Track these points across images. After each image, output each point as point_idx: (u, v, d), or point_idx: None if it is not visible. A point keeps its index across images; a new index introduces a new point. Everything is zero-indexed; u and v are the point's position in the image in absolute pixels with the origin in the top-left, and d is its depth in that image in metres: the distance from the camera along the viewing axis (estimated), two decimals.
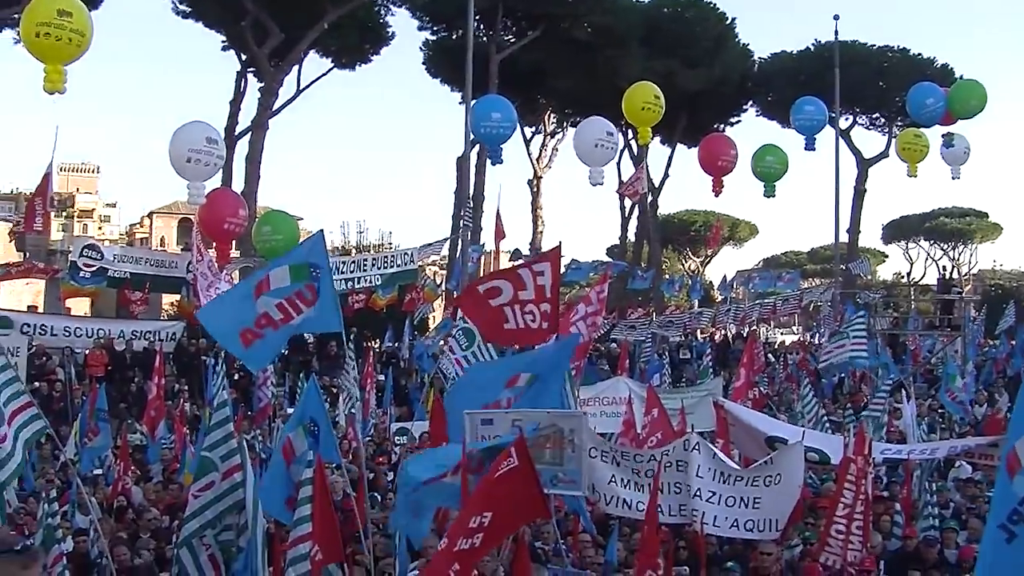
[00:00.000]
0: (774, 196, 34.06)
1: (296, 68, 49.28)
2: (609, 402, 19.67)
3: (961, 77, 49.88)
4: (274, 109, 47.66)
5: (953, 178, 36.64)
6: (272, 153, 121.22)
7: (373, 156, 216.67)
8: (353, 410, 22.60)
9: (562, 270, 43.65)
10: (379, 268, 34.31)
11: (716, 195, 33.04)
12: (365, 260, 35.79)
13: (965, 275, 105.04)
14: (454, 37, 54.05)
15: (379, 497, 17.65)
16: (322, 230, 13.42)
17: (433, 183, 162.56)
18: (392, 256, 36.28)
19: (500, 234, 35.65)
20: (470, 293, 15.89)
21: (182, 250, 56.45)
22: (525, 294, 14.32)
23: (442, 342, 23.58)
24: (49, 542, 11.49)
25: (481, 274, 60.07)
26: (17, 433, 11.38)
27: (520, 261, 52.13)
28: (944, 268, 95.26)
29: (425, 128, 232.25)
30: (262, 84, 47.82)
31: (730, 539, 14.57)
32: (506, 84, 48.18)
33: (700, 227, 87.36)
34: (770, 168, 34.01)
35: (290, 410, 25.96)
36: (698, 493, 12.89)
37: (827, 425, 20.92)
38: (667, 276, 63.48)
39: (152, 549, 14.80)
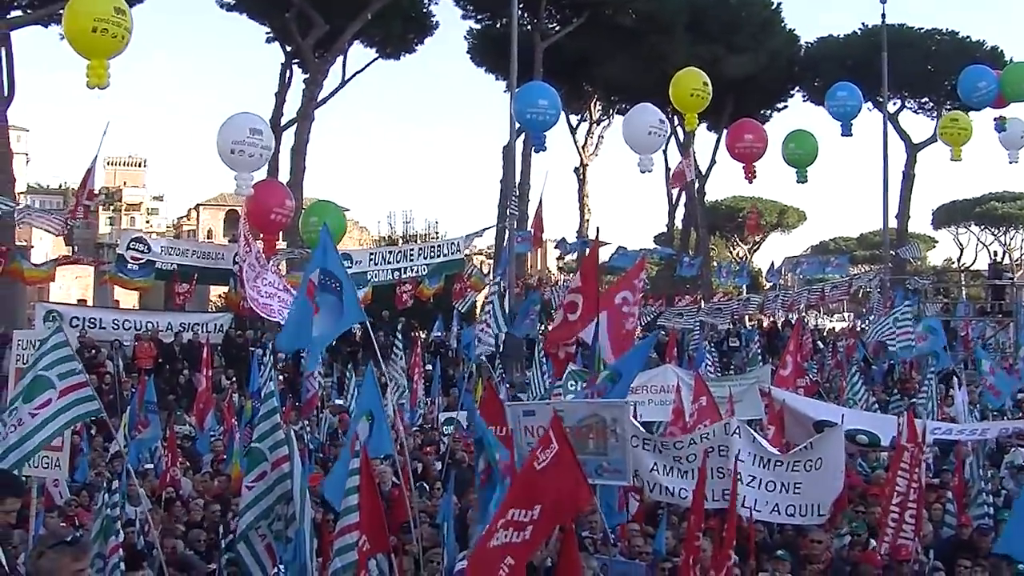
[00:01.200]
0: (806, 182, 33.73)
1: (341, 59, 49.34)
2: (657, 390, 19.56)
3: (1011, 60, 49.39)
4: (319, 100, 47.74)
5: (1010, 162, 36.17)
6: (318, 144, 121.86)
7: (419, 146, 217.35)
8: (402, 400, 22.74)
9: (607, 257, 44.01)
10: (425, 258, 34.40)
11: (749, 181, 32.81)
12: (412, 250, 35.86)
13: (1017, 260, 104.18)
14: (498, 25, 54.08)
15: (427, 487, 17.69)
16: (326, 224, 13.57)
17: (479, 172, 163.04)
18: (439, 246, 36.33)
19: (538, 225, 35.61)
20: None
21: (229, 242, 56.80)
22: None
23: (481, 325, 23.58)
24: (108, 533, 11.60)
25: (528, 263, 60.07)
26: (64, 410, 11.48)
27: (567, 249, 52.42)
28: (995, 253, 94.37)
29: (471, 117, 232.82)
30: (307, 75, 47.98)
31: (781, 527, 14.53)
32: (551, 72, 48.08)
33: (748, 214, 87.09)
34: (795, 154, 33.70)
35: (338, 401, 26.18)
36: (739, 478, 12.84)
37: (876, 411, 20.80)
38: (715, 263, 63.27)
39: (203, 540, 14.92)
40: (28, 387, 11.36)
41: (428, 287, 33.98)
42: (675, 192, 63.17)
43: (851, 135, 36.21)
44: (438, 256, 34.42)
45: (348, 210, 56.08)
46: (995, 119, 35.58)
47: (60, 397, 11.41)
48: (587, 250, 31.14)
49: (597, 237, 15.47)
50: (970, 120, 38.96)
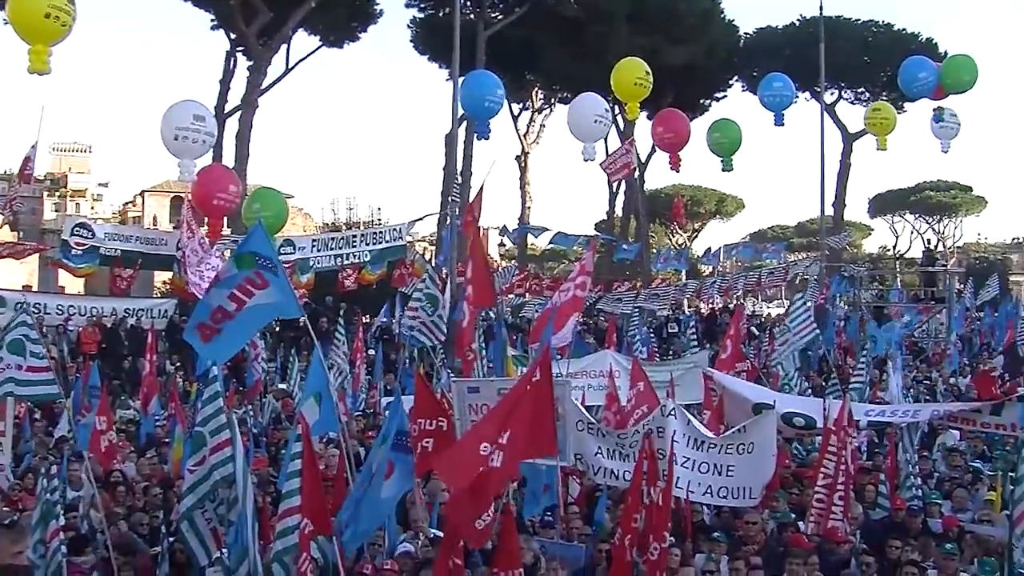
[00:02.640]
0: (731, 170, 33.92)
1: (285, 47, 49.40)
2: (596, 375, 19.89)
3: (946, 52, 50.12)
4: (263, 87, 47.77)
5: (943, 152, 36.80)
6: (262, 131, 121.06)
7: (363, 134, 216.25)
8: (345, 385, 22.90)
9: (547, 242, 44.16)
10: (368, 244, 34.50)
11: (675, 170, 32.88)
12: (354, 236, 35.87)
13: (950, 248, 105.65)
14: (441, 14, 54.18)
15: None
16: (260, 220, 13.67)
17: (422, 160, 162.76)
18: (381, 232, 36.43)
19: (472, 211, 35.69)
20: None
21: (174, 228, 56.58)
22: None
23: (408, 312, 23.69)
24: (48, 518, 11.71)
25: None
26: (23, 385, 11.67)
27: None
28: (928, 241, 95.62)
29: (414, 105, 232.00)
30: (251, 63, 47.91)
31: (719, 509, 14.84)
32: (493, 61, 48.12)
33: (688, 202, 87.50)
34: (720, 143, 33.98)
35: (281, 385, 26.28)
36: (674, 459, 13.13)
37: (810, 396, 21.15)
38: (654, 250, 63.72)
39: (146, 524, 15.02)
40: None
41: (370, 272, 34.12)
42: (615, 180, 63.53)
43: (783, 125, 36.64)
44: (380, 242, 34.53)
45: (292, 197, 56.11)
46: (934, 110, 36.15)
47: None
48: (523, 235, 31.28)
49: (476, 220, 15.51)
50: (894, 111, 39.71)
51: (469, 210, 35.37)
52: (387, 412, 21.16)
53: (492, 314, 27.41)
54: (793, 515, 14.31)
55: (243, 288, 12.48)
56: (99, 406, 18.57)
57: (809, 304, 27.60)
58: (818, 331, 23.97)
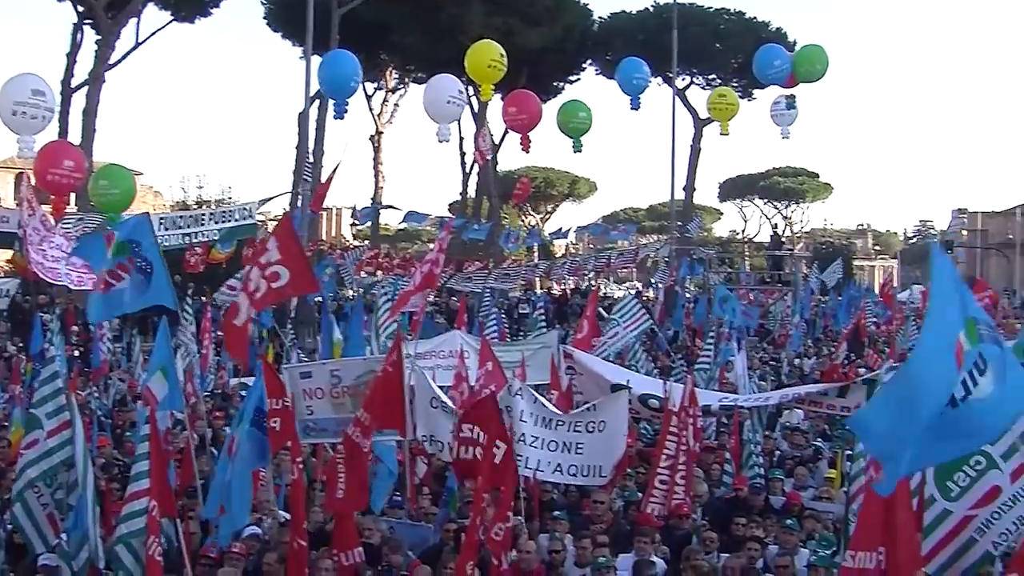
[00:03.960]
0: (581, 151, 33.99)
1: (134, 20, 48.22)
2: (445, 355, 19.89)
3: (795, 41, 51.20)
4: (111, 62, 46.57)
5: (783, 137, 37.51)
6: (111, 107, 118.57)
7: (214, 111, 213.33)
8: (193, 365, 22.54)
9: (399, 221, 43.81)
10: (217, 223, 33.96)
11: (525, 151, 32.96)
12: (203, 215, 35.29)
13: (797, 233, 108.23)
14: None
15: (216, 453, 17.63)
16: (147, 213, 13.61)
17: (274, 138, 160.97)
18: (230, 211, 35.90)
19: (323, 191, 35.38)
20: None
21: (17, 205, 55.08)
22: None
23: (225, 288, 23.41)
24: None
25: (323, 230, 59.65)
26: None
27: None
28: (775, 226, 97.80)
29: (267, 83, 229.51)
30: (99, 36, 46.69)
31: (567, 488, 14.94)
32: (347, 39, 47.55)
33: (541, 183, 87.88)
34: (569, 124, 34.14)
35: (128, 366, 25.82)
36: (522, 438, 13.18)
37: (657, 377, 21.42)
38: (506, 231, 63.95)
39: None
40: None
41: (220, 251, 33.63)
42: (468, 161, 63.59)
43: (639, 109, 37.03)
44: (230, 221, 33.97)
45: (141, 174, 54.89)
46: (786, 97, 36.80)
47: None
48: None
49: (322, 198, 15.57)
50: (737, 96, 40.38)
51: (322, 190, 35.21)
52: (242, 393, 21.06)
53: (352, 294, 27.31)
54: (641, 494, 14.46)
55: (114, 273, 12.90)
56: None
57: (637, 299, 27.87)
58: (651, 320, 24.28)
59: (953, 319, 7.30)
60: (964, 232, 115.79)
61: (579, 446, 13.86)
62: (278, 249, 13.33)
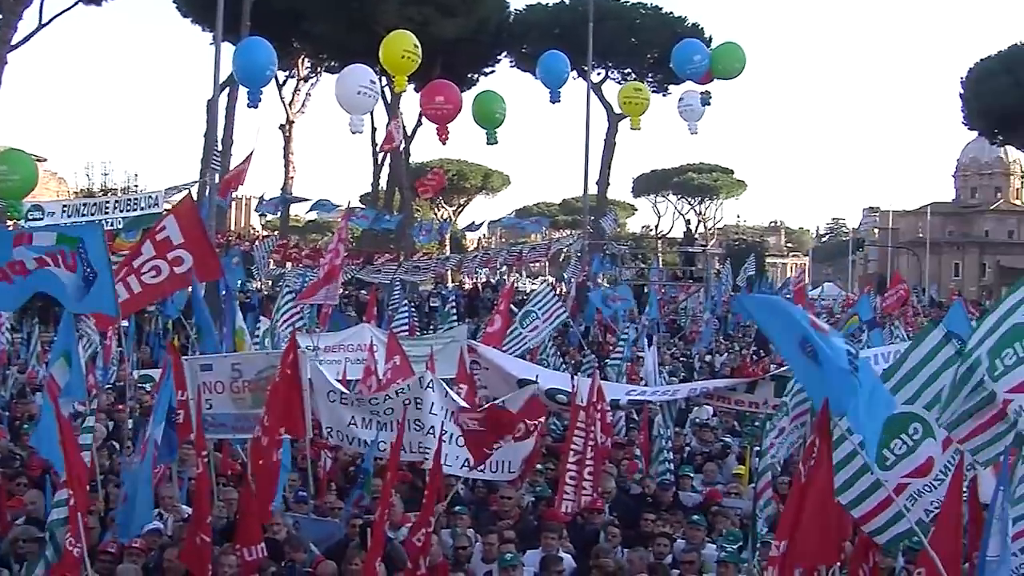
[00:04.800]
0: (496, 143, 33.90)
1: (38, 1, 47.31)
2: (354, 349, 19.72)
3: (711, 38, 51.52)
4: (13, 44, 45.61)
5: (691, 133, 37.69)
6: (13, 91, 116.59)
7: (121, 97, 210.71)
8: (95, 356, 22.13)
9: (307, 211, 43.43)
10: (122, 211, 33.35)
11: (442, 143, 32.82)
12: (107, 203, 34.64)
13: (711, 229, 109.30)
14: None
15: (118, 446, 17.27)
16: (101, 223, 13.54)
17: (183, 125, 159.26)
18: (136, 199, 35.28)
19: (234, 179, 34.95)
20: None
21: None
22: (141, 258, 14.26)
23: None
24: None
25: (232, 219, 58.92)
26: None
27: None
28: (688, 222, 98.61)
29: (176, 69, 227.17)
30: (0, 16, 45.74)
31: (474, 483, 14.84)
32: (260, 26, 47.05)
33: (454, 176, 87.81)
34: (484, 116, 34.05)
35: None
36: (431, 431, 13.07)
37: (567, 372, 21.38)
38: (417, 223, 63.75)
39: None
40: None
41: (124, 240, 33.02)
42: (381, 152, 63.26)
43: (559, 101, 37.10)
44: (135, 209, 33.32)
45: (44, 160, 54.00)
46: (701, 93, 36.97)
47: None
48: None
49: (189, 198, 15.24)
50: (648, 91, 40.57)
51: (234, 178, 34.75)
52: (142, 385, 20.71)
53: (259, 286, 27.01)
54: (551, 490, 14.40)
55: (53, 255, 12.61)
56: None
57: (553, 290, 27.82)
58: (566, 312, 24.26)
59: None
60: (875, 230, 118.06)
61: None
62: (180, 232, 13.09)
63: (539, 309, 22.80)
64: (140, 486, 11.86)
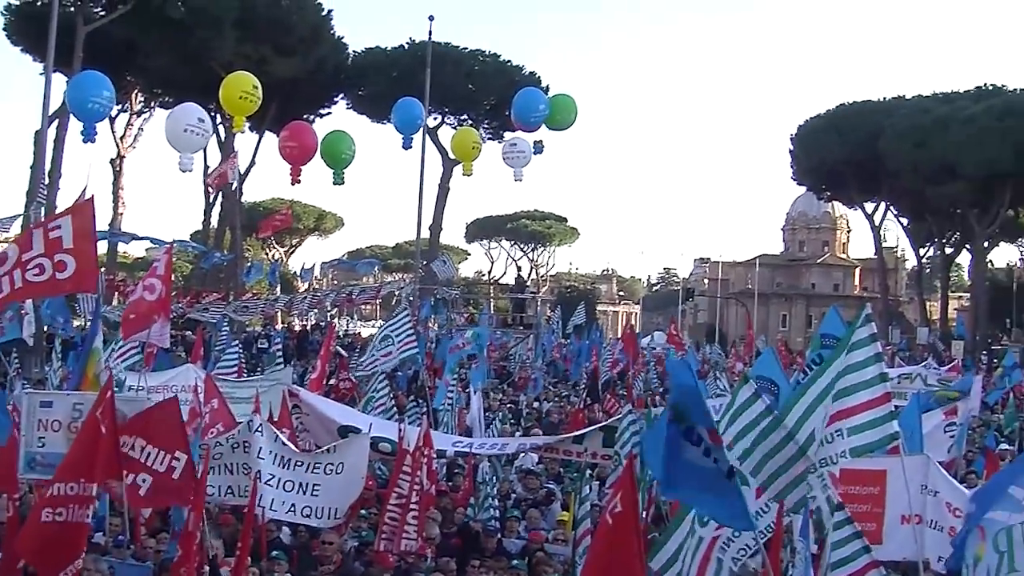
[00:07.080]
0: (343, 183, 34.04)
1: None
2: (179, 390, 19.34)
3: (548, 87, 52.22)
4: None
5: (516, 180, 38.03)
6: None
7: None
8: None
9: (142, 249, 42.59)
10: None
11: (293, 183, 32.80)
12: None
13: (543, 276, 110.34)
14: (39, 3, 51.59)
15: None
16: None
17: (9, 156, 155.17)
18: None
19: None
20: None
21: None
22: (30, 253, 13.84)
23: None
24: None
25: None
26: None
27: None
28: (520, 269, 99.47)
29: (3, 97, 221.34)
30: None
31: (295, 527, 14.70)
32: (93, 57, 46.34)
33: (282, 215, 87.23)
34: (333, 156, 34.03)
35: None
36: (258, 475, 12.94)
37: (397, 418, 21.32)
38: (249, 264, 63.03)
39: None
40: None
41: None
42: (212, 190, 62.48)
43: (411, 147, 37.33)
44: None
45: None
46: (535, 142, 37.44)
47: None
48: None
49: (88, 201, 14.81)
50: (479, 137, 41.07)
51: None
52: None
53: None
54: (375, 535, 14.36)
55: None
56: None
57: (411, 319, 27.84)
58: (417, 348, 24.26)
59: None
60: (706, 280, 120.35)
61: (316, 487, 13.67)
62: (72, 237, 12.79)
63: (395, 335, 22.73)
64: None
